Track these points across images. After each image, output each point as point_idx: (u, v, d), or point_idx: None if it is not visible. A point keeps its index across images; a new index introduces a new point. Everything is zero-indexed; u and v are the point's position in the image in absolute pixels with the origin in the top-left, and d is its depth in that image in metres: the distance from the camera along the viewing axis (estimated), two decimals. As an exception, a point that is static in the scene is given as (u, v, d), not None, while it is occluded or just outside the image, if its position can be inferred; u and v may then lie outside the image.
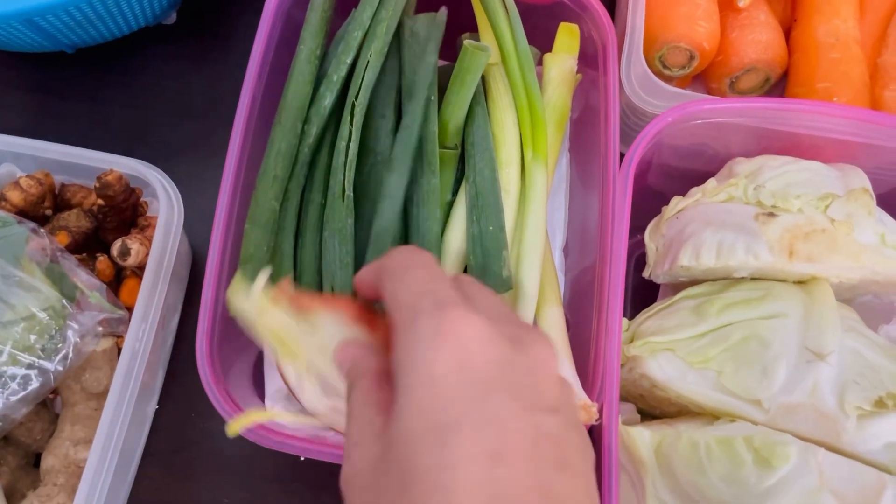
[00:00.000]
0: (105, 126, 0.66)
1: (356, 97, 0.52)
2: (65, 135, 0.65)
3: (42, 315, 0.43)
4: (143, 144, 0.65)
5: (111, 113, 0.66)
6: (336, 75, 0.52)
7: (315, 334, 0.38)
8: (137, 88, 0.67)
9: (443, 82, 0.55)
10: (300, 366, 0.38)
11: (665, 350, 0.47)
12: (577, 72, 0.57)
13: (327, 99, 0.52)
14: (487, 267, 0.50)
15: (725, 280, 0.51)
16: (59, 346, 0.44)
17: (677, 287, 0.54)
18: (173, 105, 0.66)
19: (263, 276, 0.38)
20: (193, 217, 0.55)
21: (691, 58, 0.58)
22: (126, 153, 0.65)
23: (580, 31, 0.57)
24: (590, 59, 0.58)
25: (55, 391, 0.47)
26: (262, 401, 0.53)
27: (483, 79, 0.55)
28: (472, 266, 0.50)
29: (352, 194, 0.51)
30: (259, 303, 0.37)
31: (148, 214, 0.55)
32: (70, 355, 0.45)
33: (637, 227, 0.55)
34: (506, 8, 0.54)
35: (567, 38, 0.57)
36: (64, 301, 0.44)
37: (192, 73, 0.67)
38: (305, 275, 0.49)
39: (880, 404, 0.43)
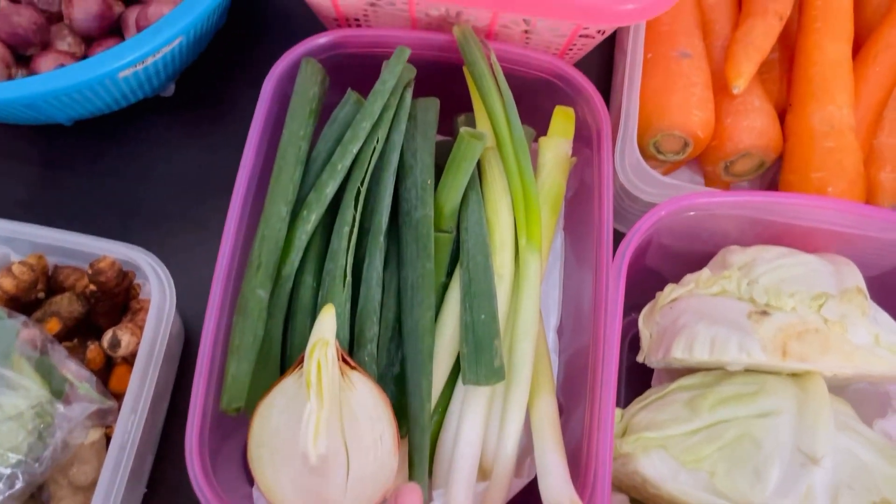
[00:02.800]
0: (100, 196, 0.66)
1: (361, 183, 0.52)
2: (60, 205, 0.65)
3: (30, 413, 0.43)
4: (138, 216, 0.65)
5: (107, 183, 0.66)
6: (341, 164, 0.51)
7: (349, 390, 0.43)
8: (134, 159, 0.67)
9: (439, 158, 0.55)
10: (319, 409, 0.41)
11: (658, 447, 0.47)
12: (573, 152, 0.58)
13: (329, 187, 0.51)
14: (479, 356, 0.49)
15: (719, 371, 0.51)
16: (48, 441, 0.44)
17: (672, 372, 0.54)
18: (170, 176, 0.66)
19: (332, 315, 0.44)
20: (187, 291, 0.55)
21: (685, 145, 0.58)
22: (121, 225, 0.65)
23: (575, 112, 0.57)
24: (585, 139, 0.58)
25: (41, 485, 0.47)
26: (251, 485, 0.52)
27: (478, 161, 0.55)
28: (464, 354, 0.50)
29: (351, 279, 0.50)
30: (326, 337, 0.42)
31: (140, 297, 0.54)
32: (58, 450, 0.44)
33: (632, 306, 0.54)
34: (500, 93, 0.54)
35: (562, 121, 0.57)
36: (53, 399, 0.44)
37: (189, 146, 0.67)
38: (294, 360, 0.49)
39: (874, 512, 0.42)
